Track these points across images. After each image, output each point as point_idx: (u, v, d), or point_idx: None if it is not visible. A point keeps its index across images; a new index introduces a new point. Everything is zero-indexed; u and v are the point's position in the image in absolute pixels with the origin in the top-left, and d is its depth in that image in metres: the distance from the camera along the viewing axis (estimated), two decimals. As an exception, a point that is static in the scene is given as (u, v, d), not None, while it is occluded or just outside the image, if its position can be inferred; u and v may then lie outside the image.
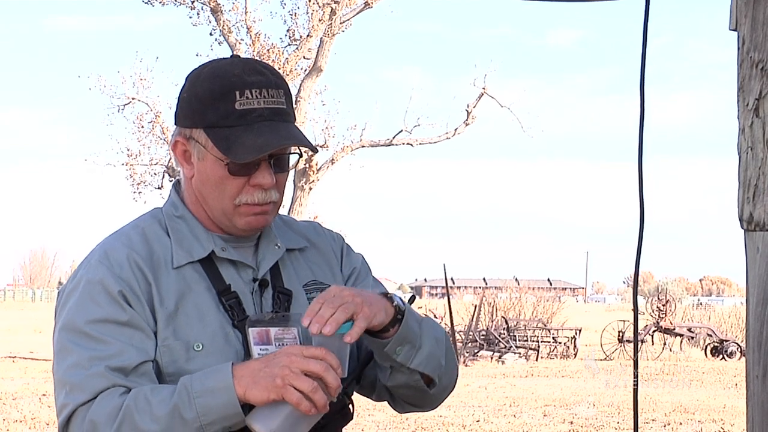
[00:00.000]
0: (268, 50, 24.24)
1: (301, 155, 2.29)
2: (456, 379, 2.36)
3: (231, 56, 2.28)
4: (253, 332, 2.16)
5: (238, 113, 2.17)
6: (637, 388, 2.44)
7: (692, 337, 27.84)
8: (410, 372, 2.23)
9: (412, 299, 2.33)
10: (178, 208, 2.30)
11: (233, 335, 2.18)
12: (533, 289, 34.32)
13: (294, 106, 2.28)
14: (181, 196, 2.32)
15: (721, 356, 26.10)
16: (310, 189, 25.24)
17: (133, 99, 26.50)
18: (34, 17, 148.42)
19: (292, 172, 25.38)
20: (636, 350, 2.47)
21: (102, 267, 2.19)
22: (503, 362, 23.99)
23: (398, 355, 2.19)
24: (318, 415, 2.07)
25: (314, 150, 2.23)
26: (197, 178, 2.25)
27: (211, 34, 24.98)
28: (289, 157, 2.27)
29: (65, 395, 2.12)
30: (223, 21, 24.49)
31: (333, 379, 2.04)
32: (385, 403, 2.38)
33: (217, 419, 2.04)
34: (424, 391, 2.28)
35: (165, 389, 2.08)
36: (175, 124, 2.28)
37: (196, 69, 2.28)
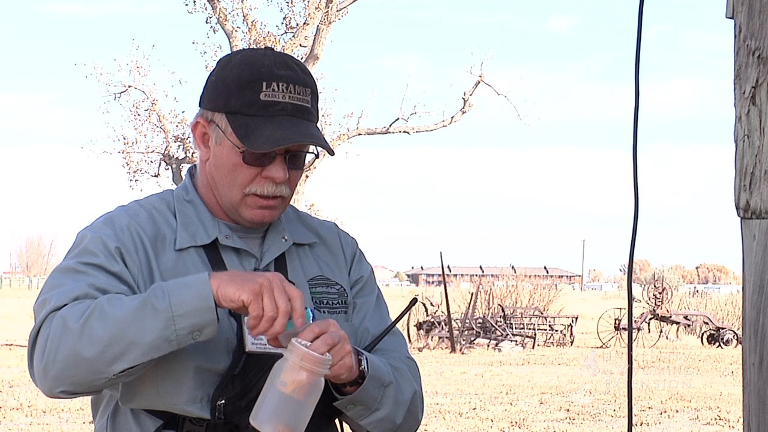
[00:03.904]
0: (264, 38, 24.21)
1: (316, 156, 2.29)
2: (415, 429, 2.36)
3: (265, 48, 2.29)
4: (248, 321, 2.15)
5: (261, 103, 2.18)
6: (631, 388, 2.44)
7: (688, 325, 27.86)
8: (359, 426, 2.25)
9: (413, 302, 2.32)
10: (189, 192, 2.31)
11: (227, 323, 2.17)
12: (530, 276, 34.30)
13: (317, 106, 2.27)
14: (195, 181, 2.33)
15: (717, 344, 26.13)
16: (307, 177, 25.22)
17: (129, 87, 26.48)
18: (31, 3, 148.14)
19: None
20: (630, 345, 2.47)
21: (106, 227, 2.21)
22: (500, 350, 24.01)
23: (349, 411, 2.21)
24: (313, 396, 2.05)
25: (331, 153, 2.21)
26: (212, 162, 2.25)
27: (207, 22, 24.95)
28: (305, 156, 2.27)
29: (43, 307, 2.09)
30: (219, 8, 24.43)
31: (300, 305, 2.02)
32: None
33: (189, 311, 2.00)
34: None
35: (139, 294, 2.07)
36: (199, 105, 2.29)
37: (228, 54, 2.30)
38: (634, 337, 25.99)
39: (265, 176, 2.21)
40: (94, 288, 2.09)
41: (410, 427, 2.33)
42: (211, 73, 2.28)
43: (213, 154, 2.25)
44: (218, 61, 2.29)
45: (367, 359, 2.19)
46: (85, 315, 2.01)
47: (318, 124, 2.27)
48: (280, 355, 2.09)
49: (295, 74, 2.22)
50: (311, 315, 2.12)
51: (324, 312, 2.29)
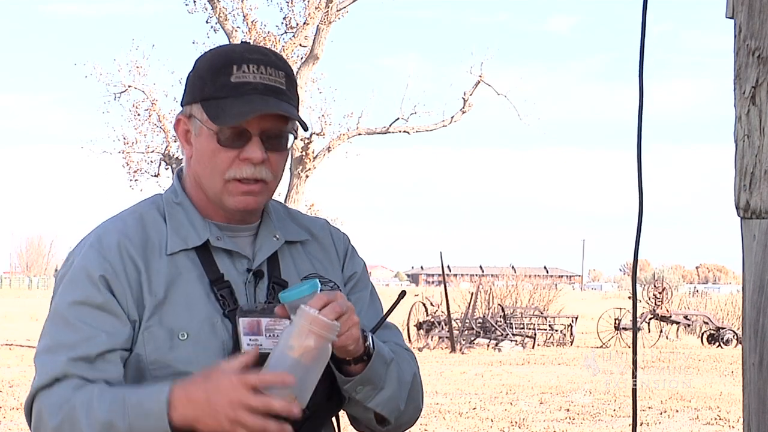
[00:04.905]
0: (264, 38, 24.20)
1: (296, 137, 2.28)
2: (416, 420, 2.36)
3: (241, 42, 2.31)
4: (243, 322, 2.14)
5: (232, 85, 2.18)
6: (635, 390, 2.44)
7: (688, 325, 27.86)
8: (366, 410, 2.24)
9: (402, 295, 2.33)
10: (178, 195, 2.30)
11: (221, 325, 2.17)
12: (530, 276, 34.26)
13: (296, 90, 2.27)
14: (183, 183, 2.32)
15: (717, 344, 26.12)
16: (307, 177, 25.22)
17: (129, 87, 26.48)
18: (31, 3, 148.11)
19: (288, 160, 25.34)
20: (635, 351, 2.47)
21: (92, 251, 2.21)
22: (500, 350, 24.01)
23: (358, 393, 2.20)
24: (320, 362, 2.06)
25: (305, 127, 2.22)
26: (195, 157, 2.26)
27: (207, 22, 24.96)
28: (285, 137, 2.25)
29: (34, 378, 2.15)
30: (220, 8, 24.44)
31: (281, 408, 2.01)
32: None
33: None
34: (375, 426, 2.29)
35: (110, 394, 2.08)
36: (181, 105, 2.30)
37: (205, 52, 2.31)
38: (634, 337, 25.98)
39: (243, 158, 2.20)
40: (72, 361, 2.11)
41: (411, 414, 2.33)
42: (189, 73, 2.29)
43: (195, 148, 2.25)
44: (195, 60, 2.30)
45: (371, 337, 2.20)
46: (59, 419, 2.07)
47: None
48: None
49: (267, 58, 2.23)
50: (318, 285, 2.12)
51: None
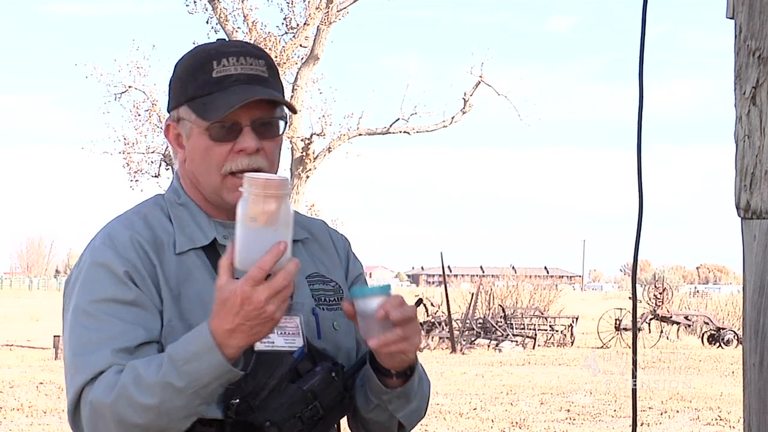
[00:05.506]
0: (264, 38, 24.20)
1: (287, 122, 2.27)
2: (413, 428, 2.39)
3: (217, 39, 2.32)
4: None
5: (214, 80, 2.19)
6: (635, 391, 2.44)
7: (689, 325, 27.88)
8: (392, 417, 2.26)
9: (418, 303, 2.33)
10: (180, 195, 2.30)
11: None
12: (530, 277, 34.28)
13: (279, 78, 2.27)
14: (182, 183, 2.32)
15: (717, 344, 26.13)
16: (308, 177, 25.21)
17: (129, 87, 26.47)
18: (31, 3, 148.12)
19: (288, 160, 25.36)
20: (635, 351, 2.47)
21: (106, 248, 2.19)
22: (500, 350, 24.01)
23: (391, 404, 2.22)
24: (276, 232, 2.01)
25: (293, 110, 2.23)
26: (189, 159, 2.25)
27: (207, 23, 24.96)
28: (276, 123, 2.25)
29: (71, 378, 2.12)
30: (220, 9, 24.44)
31: (296, 268, 2.01)
32: None
33: (210, 380, 2.02)
34: None
35: (154, 361, 2.05)
36: (167, 111, 2.30)
37: (182, 56, 2.31)
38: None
39: (237, 150, 2.19)
40: (115, 352, 2.09)
41: (416, 424, 2.35)
42: (170, 78, 2.29)
43: (188, 149, 2.25)
44: (174, 65, 2.30)
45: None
46: (111, 399, 2.04)
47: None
48: (289, 353, 2.12)
49: (245, 49, 2.23)
50: (391, 288, 2.12)
51: (322, 309, 2.28)
